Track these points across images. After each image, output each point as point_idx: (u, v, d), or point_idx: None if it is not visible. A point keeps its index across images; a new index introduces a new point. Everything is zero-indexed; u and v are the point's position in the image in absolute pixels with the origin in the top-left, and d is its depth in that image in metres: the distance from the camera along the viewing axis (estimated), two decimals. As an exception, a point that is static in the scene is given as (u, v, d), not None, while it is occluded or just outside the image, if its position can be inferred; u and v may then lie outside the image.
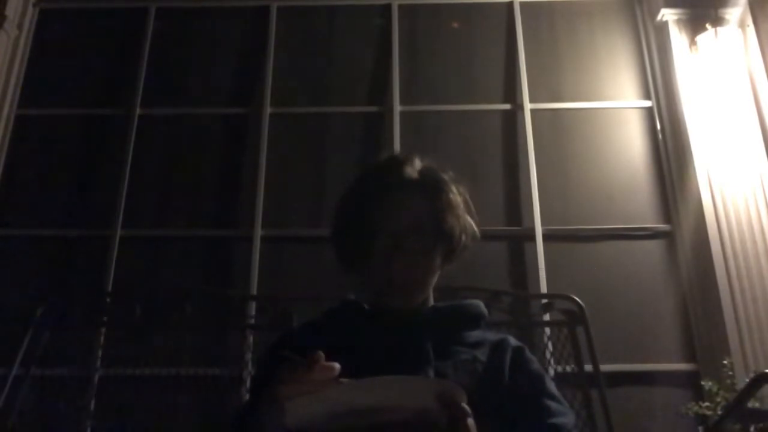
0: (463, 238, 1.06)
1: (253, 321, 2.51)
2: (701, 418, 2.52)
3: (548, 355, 2.07)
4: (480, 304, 1.09)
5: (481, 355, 1.00)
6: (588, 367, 2.05)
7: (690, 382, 2.87)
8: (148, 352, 2.13)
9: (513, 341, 1.05)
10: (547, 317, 2.23)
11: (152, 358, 2.11)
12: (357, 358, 0.94)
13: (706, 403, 2.45)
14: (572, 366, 2.04)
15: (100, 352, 2.43)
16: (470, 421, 0.70)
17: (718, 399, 2.42)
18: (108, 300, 2.33)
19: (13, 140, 3.44)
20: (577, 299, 2.13)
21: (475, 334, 1.05)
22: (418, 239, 1.01)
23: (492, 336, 1.06)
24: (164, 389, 2.09)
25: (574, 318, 2.11)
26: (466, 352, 1.00)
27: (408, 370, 0.92)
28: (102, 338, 2.40)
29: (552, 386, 1.00)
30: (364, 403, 0.69)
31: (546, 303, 2.23)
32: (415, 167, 1.07)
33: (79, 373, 2.19)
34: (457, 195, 1.07)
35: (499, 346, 1.02)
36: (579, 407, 1.95)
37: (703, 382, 2.58)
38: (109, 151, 3.44)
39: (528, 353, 1.04)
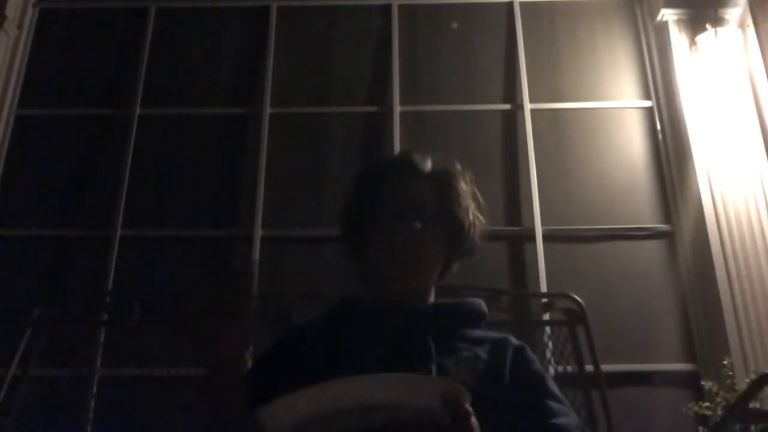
0: (471, 229, 1.06)
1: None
2: (701, 418, 2.52)
3: (548, 354, 2.07)
4: (481, 303, 1.09)
5: (483, 352, 1.00)
6: (588, 368, 2.05)
7: (690, 382, 2.87)
8: (148, 352, 2.12)
9: (514, 340, 1.04)
10: (547, 317, 2.23)
11: (152, 358, 2.11)
12: (358, 355, 0.96)
13: (706, 403, 2.45)
14: (573, 366, 2.03)
15: (99, 353, 2.43)
16: (474, 421, 0.69)
17: (718, 399, 2.41)
18: (107, 299, 2.32)
19: (13, 140, 3.44)
20: (578, 298, 2.13)
21: (477, 332, 1.04)
22: (423, 217, 1.01)
23: (493, 335, 1.06)
24: (164, 389, 2.09)
25: (575, 317, 2.11)
26: (468, 350, 0.99)
27: (410, 365, 0.93)
28: (102, 337, 2.40)
29: (553, 386, 0.99)
30: (364, 402, 0.67)
31: (546, 302, 2.23)
32: (426, 159, 1.08)
33: (79, 373, 2.19)
34: (467, 187, 1.08)
35: (500, 345, 1.02)
36: (579, 407, 1.95)
37: (703, 382, 2.58)
38: (109, 151, 3.44)
39: (529, 353, 1.03)
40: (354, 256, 1.08)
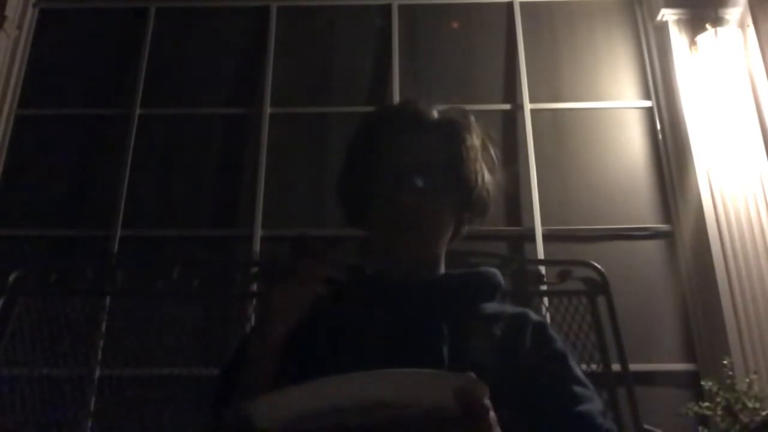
0: (482, 186, 0.94)
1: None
2: (701, 418, 2.52)
3: (565, 327, 1.89)
4: (497, 273, 0.98)
5: (498, 330, 0.90)
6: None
7: (690, 382, 2.87)
8: (148, 351, 2.12)
9: (534, 316, 0.95)
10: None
11: (152, 358, 2.11)
12: (364, 335, 0.87)
13: (706, 403, 2.45)
14: (593, 340, 1.83)
15: (100, 353, 2.42)
16: (492, 416, 0.64)
17: (718, 399, 2.41)
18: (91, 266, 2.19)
19: (13, 140, 3.43)
20: (598, 266, 1.95)
21: (491, 306, 0.95)
22: (429, 177, 0.90)
23: (510, 309, 0.96)
24: (164, 389, 2.08)
25: (595, 286, 1.91)
26: (483, 327, 0.90)
27: (420, 346, 0.85)
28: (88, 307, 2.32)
29: (576, 368, 0.91)
30: (365, 400, 0.62)
31: (562, 270, 2.00)
32: (432, 108, 0.97)
33: (79, 373, 2.19)
34: (478, 141, 0.97)
35: (518, 322, 0.92)
36: (600, 385, 1.77)
37: (703, 382, 2.57)
38: (109, 151, 3.44)
39: (550, 330, 0.94)
40: (354, 224, 0.98)
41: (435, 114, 0.96)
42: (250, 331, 0.89)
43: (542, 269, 2.11)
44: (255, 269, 2.11)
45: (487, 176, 0.96)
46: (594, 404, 0.87)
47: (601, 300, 1.92)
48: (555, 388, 0.88)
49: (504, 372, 0.84)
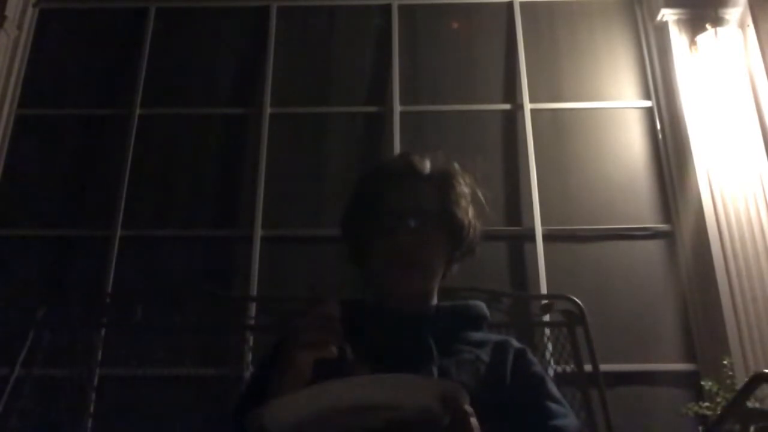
0: (471, 230, 1.07)
1: (253, 322, 2.51)
2: (701, 418, 2.52)
3: (548, 355, 2.08)
4: (483, 306, 1.10)
5: (484, 355, 1.00)
6: (587, 368, 2.06)
7: (690, 382, 2.87)
8: (149, 352, 2.13)
9: (515, 343, 1.05)
10: (547, 318, 2.24)
11: (152, 358, 2.11)
12: (359, 357, 0.93)
13: (706, 403, 2.45)
14: (571, 366, 2.04)
15: (100, 353, 2.43)
16: (473, 421, 0.70)
17: (718, 399, 2.42)
18: (108, 300, 2.32)
19: (13, 140, 3.43)
20: (577, 300, 2.13)
21: (478, 335, 1.05)
22: (424, 219, 1.01)
23: (494, 337, 1.07)
24: (164, 389, 2.09)
25: (574, 318, 2.12)
26: (469, 352, 1.00)
27: (412, 367, 0.92)
28: (102, 338, 2.39)
29: (553, 388, 1.00)
30: (362, 402, 0.67)
31: (545, 304, 2.24)
32: (426, 161, 1.08)
33: (79, 373, 2.19)
34: (467, 188, 1.09)
35: (501, 347, 1.03)
36: (579, 408, 1.95)
37: (703, 382, 2.58)
38: (109, 151, 3.44)
39: (530, 355, 1.04)
40: (356, 261, 1.09)
41: (428, 166, 1.08)
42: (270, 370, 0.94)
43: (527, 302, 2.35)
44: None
45: (475, 220, 1.08)
46: (569, 420, 0.96)
47: (579, 330, 2.12)
48: (533, 404, 0.97)
49: (488, 392, 0.93)
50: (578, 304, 2.13)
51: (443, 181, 1.06)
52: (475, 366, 0.98)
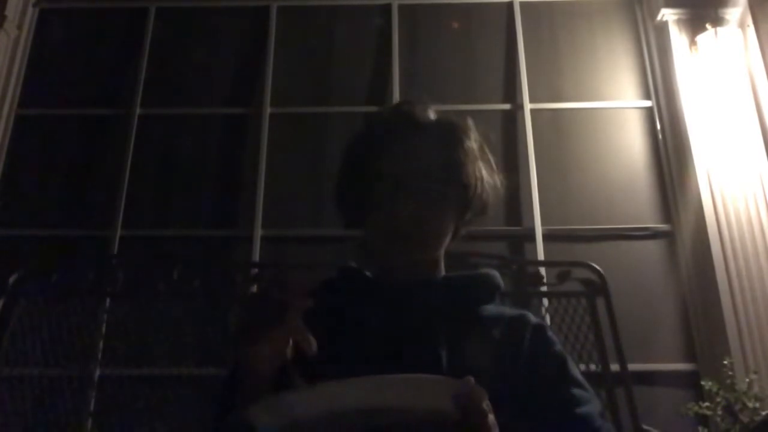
0: (480, 188, 0.93)
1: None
2: (701, 418, 2.52)
3: (564, 328, 1.90)
4: (496, 275, 0.97)
5: (498, 332, 0.90)
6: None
7: (690, 382, 2.87)
8: (148, 351, 2.12)
9: (533, 318, 0.94)
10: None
11: (152, 357, 2.11)
12: (361, 339, 0.87)
13: (706, 403, 2.45)
14: (586, 345, 1.83)
15: (100, 353, 2.42)
16: (491, 419, 0.64)
17: (718, 399, 2.41)
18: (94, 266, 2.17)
19: (13, 140, 3.43)
20: (597, 267, 1.94)
21: (490, 308, 0.94)
22: (427, 182, 0.88)
23: (509, 312, 0.95)
24: (164, 389, 2.08)
25: (594, 287, 1.92)
26: (482, 329, 0.90)
27: (418, 349, 0.85)
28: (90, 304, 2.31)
29: (575, 370, 0.91)
30: (366, 405, 0.63)
31: (562, 272, 2.01)
32: (428, 110, 0.95)
33: (80, 373, 2.18)
34: (475, 143, 0.96)
35: (517, 324, 0.92)
36: (598, 385, 1.79)
37: (703, 382, 2.58)
38: (109, 151, 3.44)
39: (549, 332, 0.94)
40: (352, 227, 0.96)
41: (432, 117, 0.95)
42: (232, 370, 0.84)
43: (542, 270, 2.10)
44: (255, 270, 2.12)
45: (486, 177, 0.95)
46: (593, 406, 0.87)
47: (600, 301, 1.92)
48: (554, 390, 0.87)
49: (503, 375, 0.84)
50: (599, 272, 1.93)
51: (449, 135, 0.93)
52: (488, 346, 0.88)
